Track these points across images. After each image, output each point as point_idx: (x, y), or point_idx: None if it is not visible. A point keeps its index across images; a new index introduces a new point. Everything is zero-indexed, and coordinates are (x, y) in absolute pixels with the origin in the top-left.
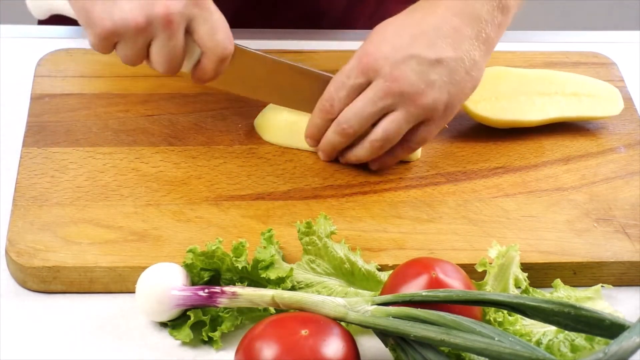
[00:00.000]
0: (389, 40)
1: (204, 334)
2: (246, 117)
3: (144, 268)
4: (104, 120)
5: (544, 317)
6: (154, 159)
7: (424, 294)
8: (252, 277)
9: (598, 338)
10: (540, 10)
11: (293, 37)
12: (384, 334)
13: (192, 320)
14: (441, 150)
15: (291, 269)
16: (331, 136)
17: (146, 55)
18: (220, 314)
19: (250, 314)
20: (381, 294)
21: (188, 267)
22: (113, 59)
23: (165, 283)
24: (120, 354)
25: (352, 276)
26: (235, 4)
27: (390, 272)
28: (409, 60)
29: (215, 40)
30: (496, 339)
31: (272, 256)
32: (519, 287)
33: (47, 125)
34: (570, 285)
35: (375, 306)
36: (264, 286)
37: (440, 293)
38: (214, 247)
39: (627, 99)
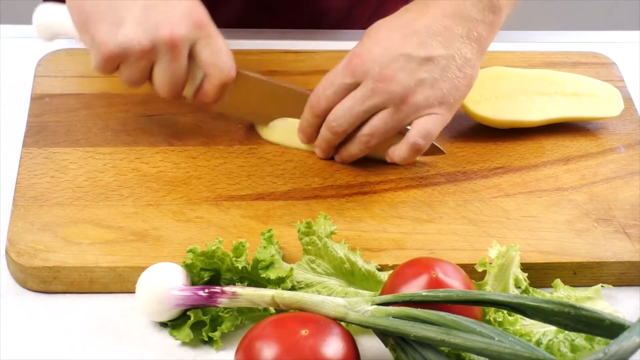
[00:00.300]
0: (380, 42)
1: (204, 334)
2: None
3: (144, 268)
4: (104, 120)
5: (544, 317)
6: (154, 159)
7: (424, 294)
8: (252, 277)
9: (598, 338)
10: (540, 10)
11: (293, 37)
12: (384, 334)
13: (192, 320)
14: None
15: (291, 269)
16: (323, 133)
17: (148, 77)
18: (220, 314)
19: (250, 314)
20: (381, 294)
21: (188, 267)
22: None
23: (165, 283)
24: (120, 354)
25: (352, 276)
26: (238, 4)
27: (390, 272)
28: (398, 59)
29: (218, 64)
30: (496, 339)
31: (272, 256)
32: (519, 287)
33: (47, 125)
34: (570, 285)
35: (375, 306)
36: (264, 286)
37: (440, 293)
38: (214, 247)
39: (627, 99)
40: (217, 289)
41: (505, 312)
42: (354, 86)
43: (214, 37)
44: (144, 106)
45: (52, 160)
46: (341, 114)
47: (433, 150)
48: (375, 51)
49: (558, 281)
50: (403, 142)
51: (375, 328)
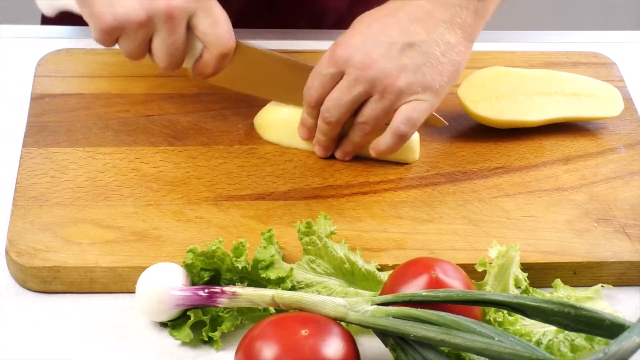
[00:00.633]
0: (362, 31)
1: (204, 334)
2: (246, 117)
3: (144, 268)
4: (104, 120)
5: (544, 317)
6: (154, 159)
7: (424, 294)
8: (252, 277)
9: (598, 338)
10: (540, 10)
11: (294, 37)
12: (384, 334)
13: (192, 320)
14: (441, 150)
15: (291, 269)
16: (320, 126)
17: (148, 49)
18: (220, 314)
19: (250, 314)
20: (381, 294)
21: (188, 267)
22: (113, 59)
23: (165, 283)
24: (120, 354)
25: (352, 276)
26: (238, 4)
27: (390, 272)
28: (379, 46)
29: (217, 35)
30: (496, 339)
31: (272, 256)
32: (519, 287)
33: (47, 125)
34: (570, 285)
35: (375, 306)
36: (264, 286)
37: (440, 293)
38: (214, 247)
39: (627, 99)
40: (217, 289)
41: (505, 312)
42: (339, 75)
43: (212, 7)
44: (144, 106)
45: (52, 160)
46: (331, 105)
47: (433, 121)
48: (356, 39)
49: (558, 281)
50: (387, 130)
51: (375, 328)
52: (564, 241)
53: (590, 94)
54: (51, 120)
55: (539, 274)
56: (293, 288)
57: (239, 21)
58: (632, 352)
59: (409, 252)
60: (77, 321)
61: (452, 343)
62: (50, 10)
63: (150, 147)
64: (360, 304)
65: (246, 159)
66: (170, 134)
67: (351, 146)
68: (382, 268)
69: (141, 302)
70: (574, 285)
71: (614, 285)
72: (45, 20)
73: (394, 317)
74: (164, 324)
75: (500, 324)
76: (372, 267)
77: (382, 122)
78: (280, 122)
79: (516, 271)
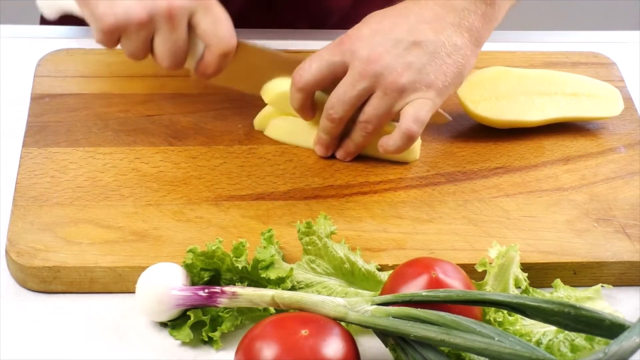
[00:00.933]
0: (371, 26)
1: (204, 334)
2: (246, 117)
3: (144, 268)
4: (104, 120)
5: (544, 317)
6: (154, 159)
7: (424, 294)
8: (252, 277)
9: (598, 338)
10: (540, 10)
11: (295, 37)
12: (384, 334)
13: (192, 320)
14: (441, 150)
15: (291, 269)
16: (323, 123)
17: (150, 49)
18: (220, 314)
19: (250, 314)
20: (381, 294)
21: (188, 267)
22: (113, 59)
23: (165, 283)
24: (120, 354)
25: (352, 276)
26: (239, 4)
27: (390, 272)
28: (386, 43)
29: (218, 34)
30: (496, 339)
31: (272, 256)
32: (519, 287)
33: (47, 125)
34: (570, 285)
35: (375, 306)
36: (264, 286)
37: (440, 293)
38: (214, 247)
39: (627, 99)
40: (217, 289)
41: (505, 312)
42: (339, 65)
43: (212, 6)
44: (144, 106)
45: (52, 160)
46: (335, 101)
47: (437, 118)
48: (365, 34)
49: (558, 281)
50: (396, 130)
51: (375, 328)
52: (564, 241)
53: (590, 94)
54: (51, 120)
55: (539, 274)
56: (293, 288)
57: (239, 21)
58: (632, 352)
59: (409, 252)
60: (77, 321)
61: (452, 343)
62: (51, 13)
63: (150, 147)
64: (360, 304)
65: (246, 159)
66: (170, 134)
67: (353, 146)
68: (382, 268)
69: (141, 302)
70: (574, 285)
71: (614, 285)
72: (45, 21)
73: (394, 317)
74: (164, 324)
75: (500, 324)
76: (372, 267)
77: (383, 122)
78: (281, 121)
79: (516, 271)
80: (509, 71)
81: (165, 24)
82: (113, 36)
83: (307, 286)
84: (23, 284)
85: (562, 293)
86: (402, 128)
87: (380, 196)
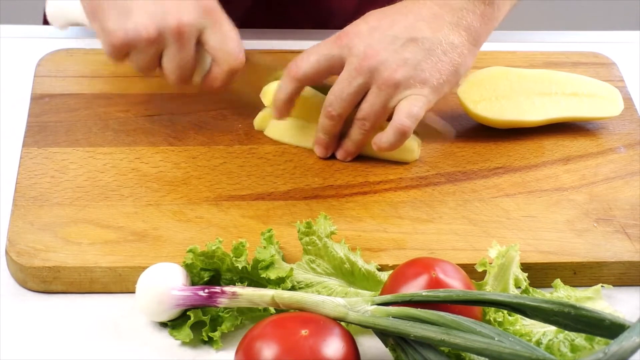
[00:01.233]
0: (369, 23)
1: (204, 334)
2: (246, 117)
3: (144, 268)
4: (104, 120)
5: (544, 317)
6: (154, 159)
7: (424, 294)
8: (252, 277)
9: (598, 338)
10: (540, 10)
11: (300, 37)
12: (384, 334)
13: (192, 320)
14: (441, 150)
15: (291, 269)
16: (322, 122)
17: (158, 64)
18: (220, 314)
19: (250, 314)
20: (381, 294)
21: (188, 267)
22: None
23: (165, 283)
24: (120, 354)
25: (352, 276)
26: (245, 4)
27: (390, 272)
28: (383, 39)
29: (227, 50)
30: (496, 339)
31: (272, 256)
32: (519, 287)
33: (47, 125)
34: (570, 285)
35: (375, 306)
36: (264, 286)
37: (440, 293)
38: (214, 247)
39: (627, 99)
40: (217, 289)
41: (505, 312)
42: (337, 59)
43: (222, 23)
44: (144, 106)
45: (52, 160)
46: (333, 98)
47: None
48: (363, 30)
49: (558, 281)
50: (389, 126)
51: (375, 328)
52: (564, 241)
53: (590, 94)
54: (51, 120)
55: (539, 274)
56: (293, 288)
57: (244, 21)
58: (632, 352)
59: (409, 252)
60: (77, 321)
61: (452, 343)
62: (60, 25)
63: (150, 147)
64: (360, 304)
65: (246, 159)
66: (170, 134)
67: (352, 145)
68: (382, 268)
69: (141, 302)
70: (574, 285)
71: (614, 285)
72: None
73: (394, 317)
74: (164, 324)
75: (500, 324)
76: (372, 267)
77: (381, 118)
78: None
79: (516, 271)
80: (508, 71)
81: (175, 42)
82: (122, 51)
83: (307, 286)
84: (23, 284)
85: (562, 293)
86: (394, 123)
87: (380, 196)
